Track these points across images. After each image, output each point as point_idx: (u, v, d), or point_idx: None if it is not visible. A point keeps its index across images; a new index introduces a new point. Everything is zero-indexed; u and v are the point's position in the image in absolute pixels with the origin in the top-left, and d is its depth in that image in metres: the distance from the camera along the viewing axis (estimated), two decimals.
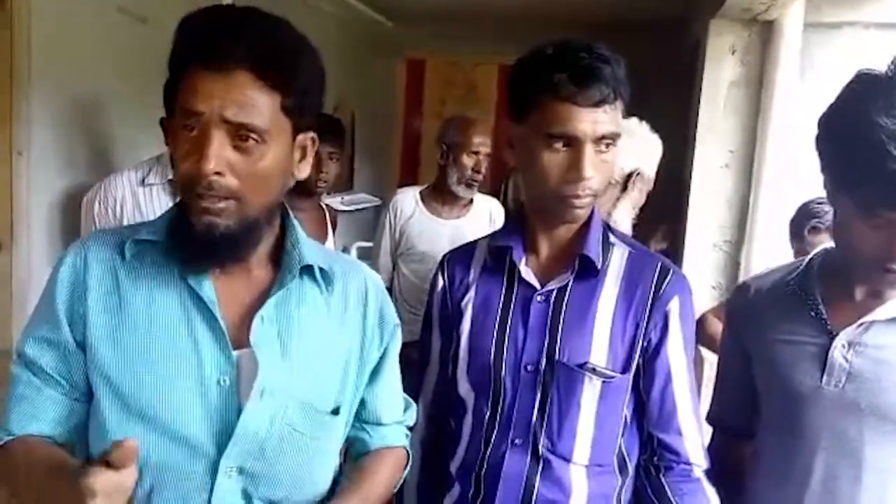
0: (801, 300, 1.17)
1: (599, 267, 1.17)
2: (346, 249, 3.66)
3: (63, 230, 2.17)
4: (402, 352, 1.16)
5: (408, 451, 1.16)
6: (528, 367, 1.16)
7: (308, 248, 1.01)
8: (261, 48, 0.87)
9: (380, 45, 4.95)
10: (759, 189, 2.93)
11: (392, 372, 1.13)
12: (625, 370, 1.16)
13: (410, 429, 1.20)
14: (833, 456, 1.11)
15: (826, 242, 1.99)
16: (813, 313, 1.15)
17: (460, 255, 1.31)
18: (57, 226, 2.15)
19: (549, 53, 1.11)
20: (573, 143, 1.10)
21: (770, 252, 2.76)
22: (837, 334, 1.12)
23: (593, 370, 1.14)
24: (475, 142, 2.62)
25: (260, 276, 1.00)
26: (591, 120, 1.08)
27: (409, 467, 1.17)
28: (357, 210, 4.44)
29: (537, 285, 1.19)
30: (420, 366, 1.35)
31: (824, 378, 1.11)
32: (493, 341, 1.19)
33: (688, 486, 1.17)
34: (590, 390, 1.15)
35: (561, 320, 1.16)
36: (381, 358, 1.09)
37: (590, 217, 1.19)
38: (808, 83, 2.86)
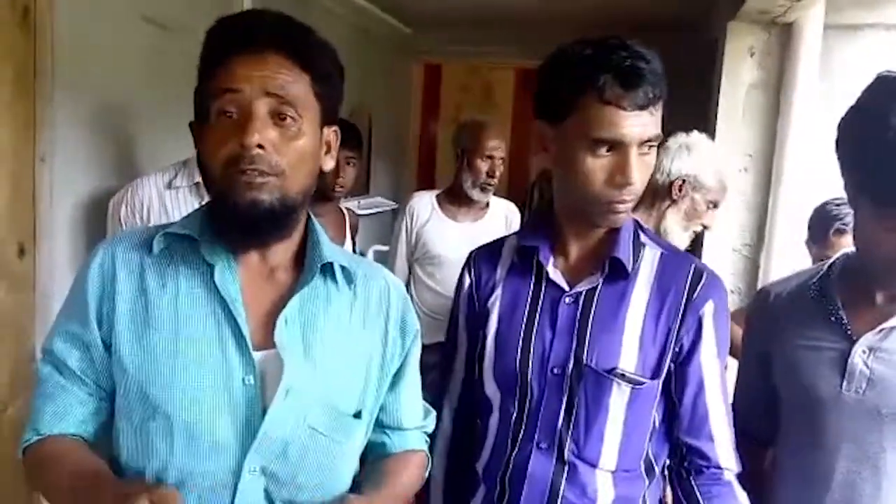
0: (822, 305, 1.16)
1: (630, 269, 1.14)
2: (362, 253, 3.68)
3: (86, 235, 2.19)
4: (420, 356, 1.15)
5: (428, 456, 1.16)
6: (555, 370, 1.14)
7: (329, 248, 1.03)
8: (290, 34, 0.94)
9: (396, 49, 4.97)
10: (778, 193, 2.91)
11: (413, 377, 1.13)
12: (655, 376, 1.13)
13: (430, 436, 1.19)
14: (853, 462, 1.10)
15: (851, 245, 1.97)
16: (833, 318, 1.14)
17: (487, 254, 1.28)
18: (80, 230, 2.18)
19: (588, 53, 1.06)
20: (618, 148, 1.06)
21: (790, 256, 2.74)
22: (858, 340, 1.11)
23: (622, 376, 1.11)
24: (489, 146, 2.63)
25: (284, 278, 1.01)
26: (638, 124, 1.04)
27: (427, 470, 1.17)
28: (373, 214, 4.46)
29: (566, 286, 1.16)
30: (445, 365, 1.32)
31: (844, 384, 1.11)
32: (520, 342, 1.17)
33: (717, 489, 1.14)
34: (618, 396, 1.12)
35: (589, 323, 1.13)
36: (403, 363, 1.10)
37: None
38: (827, 85, 2.83)
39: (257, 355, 0.95)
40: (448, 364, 1.32)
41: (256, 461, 0.94)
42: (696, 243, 3.13)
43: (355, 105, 4.20)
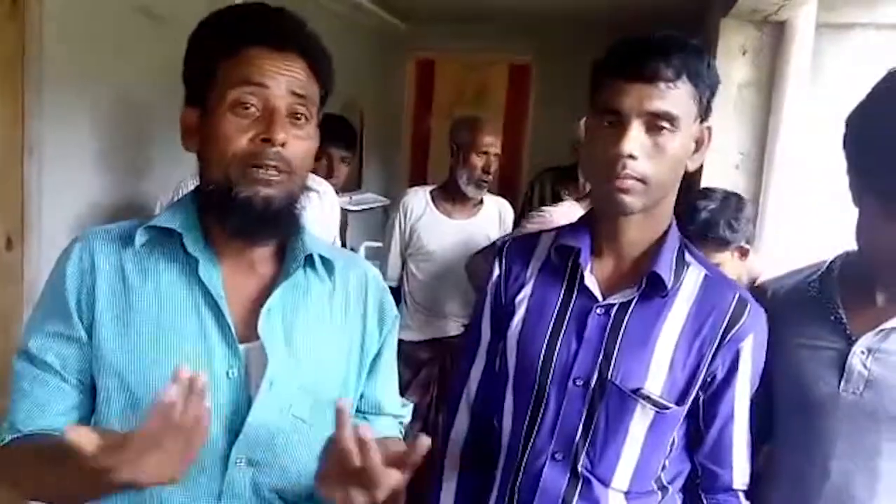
0: (821, 304, 1.15)
1: (669, 287, 1.08)
2: (353, 249, 3.67)
3: (74, 227, 2.17)
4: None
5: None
6: (577, 381, 1.10)
7: (310, 239, 1.03)
8: (307, 36, 0.96)
9: (389, 45, 4.95)
10: (769, 191, 2.92)
11: (391, 363, 1.14)
12: (680, 402, 1.09)
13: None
14: (848, 464, 1.10)
15: (722, 261, 1.78)
16: (832, 318, 1.13)
17: (520, 247, 1.23)
18: (68, 223, 2.16)
19: (625, 39, 1.06)
20: (620, 119, 1.03)
21: (780, 255, 2.75)
22: (857, 340, 1.10)
23: (647, 398, 1.07)
24: (485, 142, 2.63)
25: (265, 271, 1.02)
26: (639, 95, 1.01)
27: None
28: (365, 210, 4.44)
29: (599, 296, 1.11)
30: (467, 354, 1.28)
31: (842, 384, 1.10)
32: (544, 347, 1.12)
33: (722, 497, 1.15)
34: (641, 418, 1.08)
35: (619, 338, 1.09)
36: (381, 348, 1.11)
37: (665, 232, 1.12)
38: (819, 84, 2.84)
39: (241, 347, 0.95)
40: (470, 353, 1.27)
41: (242, 452, 0.94)
42: None
43: (347, 100, 4.17)
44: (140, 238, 0.96)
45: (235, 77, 0.91)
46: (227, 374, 0.94)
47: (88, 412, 0.98)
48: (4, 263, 1.93)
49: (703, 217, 1.79)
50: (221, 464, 0.94)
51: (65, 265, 0.96)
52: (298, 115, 0.94)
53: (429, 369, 2.69)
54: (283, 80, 0.92)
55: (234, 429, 0.94)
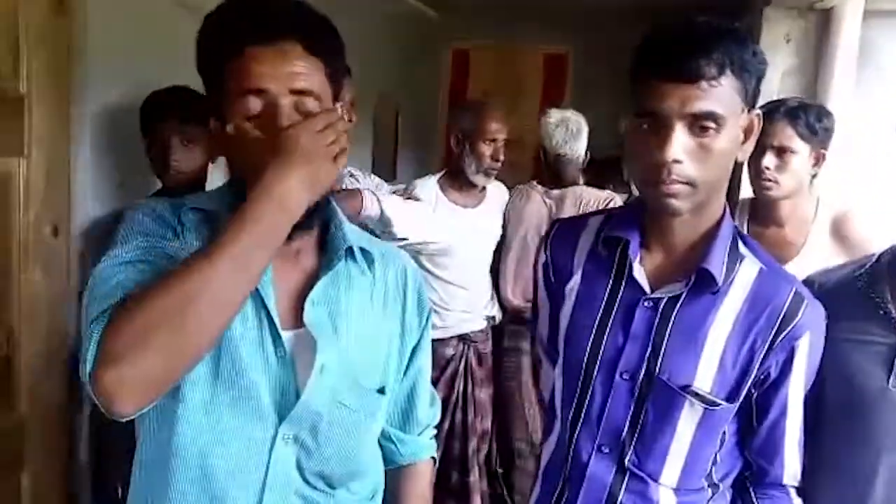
0: (870, 298, 1.13)
1: (720, 284, 1.05)
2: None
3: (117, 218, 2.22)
4: (436, 348, 1.18)
5: (434, 459, 1.22)
6: (624, 375, 1.08)
7: (350, 231, 1.06)
8: (303, 19, 0.95)
9: (425, 36, 4.95)
10: (813, 182, 2.85)
11: (428, 354, 1.17)
12: (731, 399, 1.06)
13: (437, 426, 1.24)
14: None
15: (797, 149, 1.84)
16: (882, 312, 1.11)
17: (565, 234, 1.21)
18: (111, 214, 2.21)
19: (658, 32, 1.02)
20: (661, 123, 0.98)
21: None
22: None
23: (696, 395, 1.05)
24: (492, 128, 2.51)
25: (307, 261, 1.04)
26: (681, 96, 0.96)
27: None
28: None
29: (647, 289, 1.09)
30: (534, 313, 1.30)
31: (892, 380, 1.08)
32: (591, 339, 1.11)
33: (772, 492, 1.13)
34: (689, 415, 1.06)
35: (667, 334, 1.06)
36: (420, 339, 1.14)
37: (718, 223, 1.08)
38: (866, 72, 2.77)
39: (287, 334, 0.98)
40: (535, 308, 1.29)
41: (291, 430, 0.97)
42: None
43: (382, 93, 4.19)
44: (187, 219, 0.99)
45: (240, 82, 0.92)
46: (277, 353, 0.97)
47: None
48: (51, 250, 1.98)
49: (792, 103, 1.85)
50: (271, 438, 0.97)
51: (136, 214, 0.97)
52: (303, 106, 0.94)
53: (454, 366, 2.66)
54: (282, 77, 0.91)
55: (285, 407, 0.97)
